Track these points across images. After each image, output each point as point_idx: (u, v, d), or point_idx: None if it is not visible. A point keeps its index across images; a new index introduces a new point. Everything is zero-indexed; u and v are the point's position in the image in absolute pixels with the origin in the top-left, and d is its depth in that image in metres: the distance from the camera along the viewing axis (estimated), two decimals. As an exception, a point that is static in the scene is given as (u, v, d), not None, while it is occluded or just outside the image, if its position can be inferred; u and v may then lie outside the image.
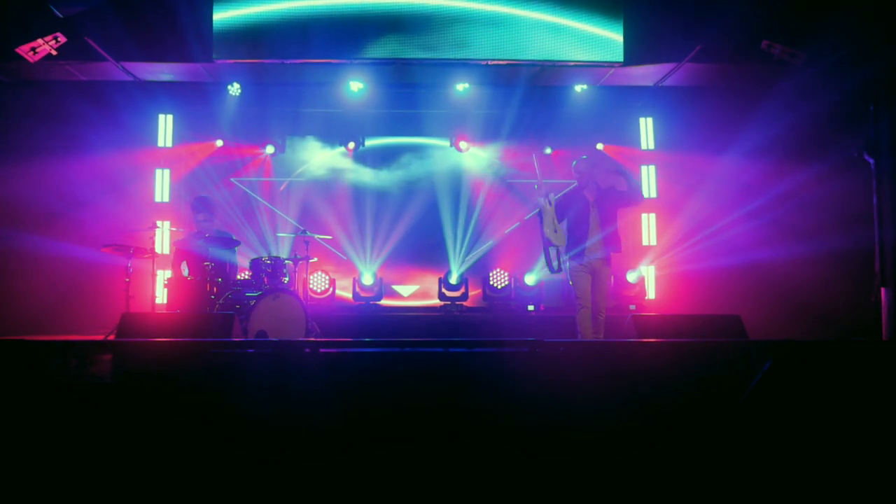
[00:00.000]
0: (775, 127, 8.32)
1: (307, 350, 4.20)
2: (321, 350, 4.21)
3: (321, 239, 8.31)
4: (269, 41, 8.15)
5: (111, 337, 5.66)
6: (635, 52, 8.41)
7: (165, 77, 9.15)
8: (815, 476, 3.81)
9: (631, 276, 9.39)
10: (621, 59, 8.37)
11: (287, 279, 7.99)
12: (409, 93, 9.78)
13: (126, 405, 3.87)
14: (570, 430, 3.92)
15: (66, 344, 4.11)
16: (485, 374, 4.14)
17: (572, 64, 8.54)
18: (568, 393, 4.03)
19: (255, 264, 7.44)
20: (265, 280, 7.32)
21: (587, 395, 4.04)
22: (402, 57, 8.30)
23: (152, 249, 7.32)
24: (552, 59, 8.44)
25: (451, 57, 8.30)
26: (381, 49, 8.24)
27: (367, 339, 4.24)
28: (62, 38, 7.55)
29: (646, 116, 10.09)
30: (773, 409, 4.05)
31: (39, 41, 7.43)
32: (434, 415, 3.93)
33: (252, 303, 6.93)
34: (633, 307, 9.35)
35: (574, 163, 6.82)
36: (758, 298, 8.41)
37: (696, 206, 9.33)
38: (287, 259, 7.77)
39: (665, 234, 9.85)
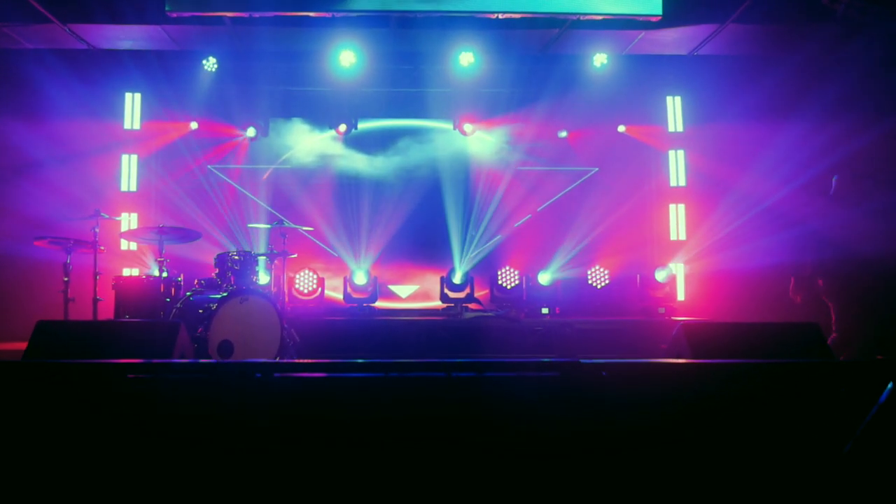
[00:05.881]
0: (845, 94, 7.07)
1: (258, 375, 3.14)
2: (276, 374, 3.14)
3: (305, 231, 7.19)
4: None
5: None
6: (675, 6, 7.26)
7: (125, 45, 8.17)
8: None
9: (660, 275, 8.40)
10: (659, 11, 7.18)
11: (268, 278, 7.14)
12: (408, 68, 8.92)
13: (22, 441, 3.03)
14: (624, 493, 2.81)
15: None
16: (502, 409, 3.12)
17: (600, 18, 7.29)
18: (619, 438, 2.96)
19: (221, 260, 6.23)
20: (232, 279, 6.10)
21: (647, 438, 2.97)
22: (398, 9, 7.09)
23: (95, 242, 6.09)
24: (577, 11, 7.19)
25: (456, 9, 7.10)
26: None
27: (340, 362, 3.15)
28: (-10, -9, 6.46)
29: (674, 95, 9.18)
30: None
31: (-40, -6, 6.33)
32: (433, 469, 2.97)
33: (214, 307, 5.72)
34: (662, 310, 8.39)
35: None
36: (813, 301, 7.19)
37: (734, 193, 8.42)
38: (261, 254, 6.63)
39: (696, 227, 8.96)
